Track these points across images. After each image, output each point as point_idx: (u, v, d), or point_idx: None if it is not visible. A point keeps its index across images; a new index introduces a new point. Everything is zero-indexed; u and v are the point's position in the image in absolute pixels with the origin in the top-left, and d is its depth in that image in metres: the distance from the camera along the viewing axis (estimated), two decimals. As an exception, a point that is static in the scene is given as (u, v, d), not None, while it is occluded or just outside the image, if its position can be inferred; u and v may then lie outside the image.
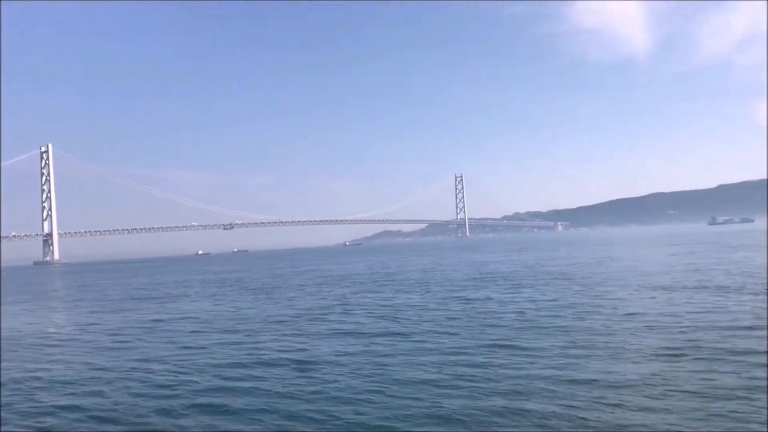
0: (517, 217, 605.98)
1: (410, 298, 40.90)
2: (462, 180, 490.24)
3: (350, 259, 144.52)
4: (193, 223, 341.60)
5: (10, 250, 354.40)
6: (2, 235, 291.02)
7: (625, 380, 15.83)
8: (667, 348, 19.57)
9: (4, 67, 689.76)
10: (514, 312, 30.63)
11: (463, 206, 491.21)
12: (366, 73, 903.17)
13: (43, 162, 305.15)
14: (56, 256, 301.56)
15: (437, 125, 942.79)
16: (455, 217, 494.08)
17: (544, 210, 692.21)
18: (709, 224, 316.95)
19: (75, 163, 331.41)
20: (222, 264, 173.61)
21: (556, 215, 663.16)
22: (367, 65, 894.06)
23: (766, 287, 34.28)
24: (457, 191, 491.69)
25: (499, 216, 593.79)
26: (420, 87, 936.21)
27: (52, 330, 37.00)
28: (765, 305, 27.29)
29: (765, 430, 12.04)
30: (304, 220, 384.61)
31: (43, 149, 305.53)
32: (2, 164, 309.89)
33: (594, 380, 15.99)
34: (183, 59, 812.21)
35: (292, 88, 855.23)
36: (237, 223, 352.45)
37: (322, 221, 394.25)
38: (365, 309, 36.35)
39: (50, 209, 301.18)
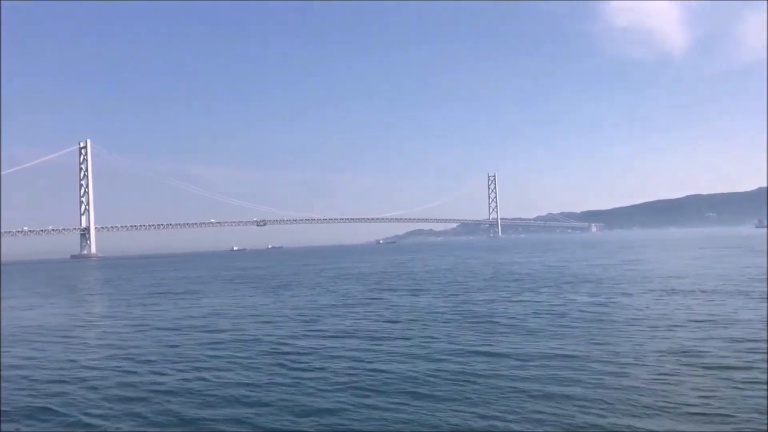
0: (550, 217, 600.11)
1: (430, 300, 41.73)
2: (495, 179, 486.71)
3: (388, 257, 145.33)
4: (227, 220, 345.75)
5: (48, 244, 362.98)
6: (40, 229, 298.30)
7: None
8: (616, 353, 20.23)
9: (45, 64, 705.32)
10: (503, 316, 31.04)
11: (496, 206, 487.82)
12: (399, 70, 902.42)
13: (82, 157, 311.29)
14: (93, 250, 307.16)
15: (471, 123, 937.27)
16: (487, 217, 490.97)
17: (578, 211, 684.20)
18: (756, 227, 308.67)
19: (112, 158, 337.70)
20: (256, 260, 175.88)
21: (590, 216, 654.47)
22: (400, 61, 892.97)
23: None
24: (490, 191, 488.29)
25: (532, 216, 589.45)
26: (453, 84, 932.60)
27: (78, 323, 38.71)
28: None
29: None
30: (336, 217, 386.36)
31: (82, 145, 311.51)
32: (42, 159, 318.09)
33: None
34: (215, 58, 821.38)
35: (324, 84, 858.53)
36: (270, 220, 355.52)
37: (354, 219, 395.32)
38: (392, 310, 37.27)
39: (88, 204, 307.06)
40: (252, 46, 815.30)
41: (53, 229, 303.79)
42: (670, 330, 24.01)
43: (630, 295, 36.99)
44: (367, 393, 16.40)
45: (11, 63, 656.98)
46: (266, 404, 15.89)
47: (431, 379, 17.60)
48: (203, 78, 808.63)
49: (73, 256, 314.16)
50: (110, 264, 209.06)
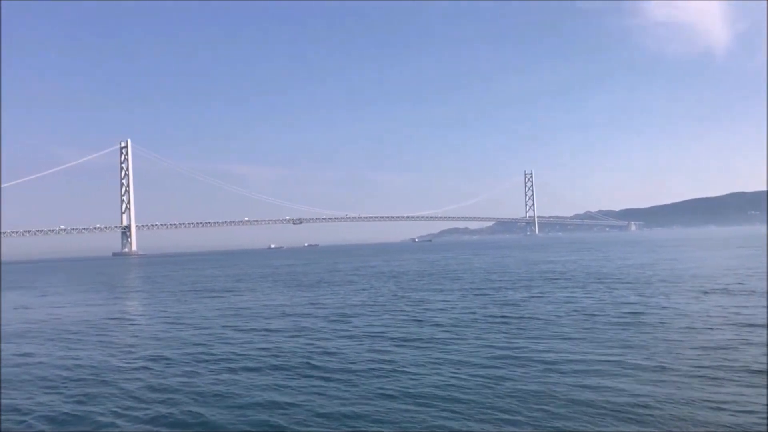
0: (588, 215, 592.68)
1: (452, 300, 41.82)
2: (532, 177, 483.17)
3: (422, 256, 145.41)
4: (264, 218, 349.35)
5: (90, 242, 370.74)
6: (83, 227, 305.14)
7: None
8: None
9: (88, 66, 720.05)
10: (533, 315, 31.07)
11: (533, 204, 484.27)
12: (435, 70, 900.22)
13: (123, 157, 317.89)
14: (134, 248, 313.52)
15: (508, 121, 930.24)
16: (524, 215, 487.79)
17: (617, 209, 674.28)
18: None
19: (153, 158, 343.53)
20: (291, 258, 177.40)
21: (629, 214, 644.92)
22: (435, 61, 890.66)
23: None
24: (527, 189, 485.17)
25: (569, 214, 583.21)
26: (489, 82, 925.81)
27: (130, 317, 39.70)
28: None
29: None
30: (372, 216, 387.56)
31: (123, 145, 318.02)
32: (84, 159, 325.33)
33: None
34: (253, 58, 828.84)
35: (361, 84, 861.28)
36: (306, 219, 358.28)
37: (389, 217, 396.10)
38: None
39: (129, 202, 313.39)
40: (290, 45, 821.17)
41: (95, 228, 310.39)
42: (701, 332, 23.65)
43: (665, 294, 36.48)
44: (391, 395, 16.45)
45: (55, 64, 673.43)
46: (289, 405, 16.05)
47: (454, 382, 17.60)
48: (242, 77, 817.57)
49: (114, 254, 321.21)
50: (150, 261, 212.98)
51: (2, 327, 36.46)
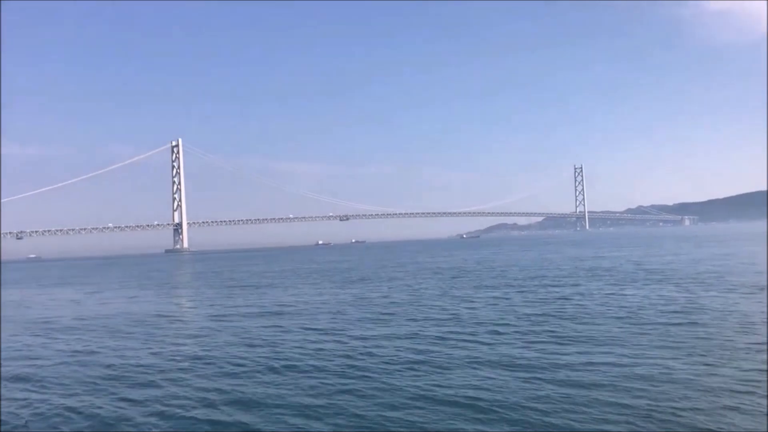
0: (640, 210, 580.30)
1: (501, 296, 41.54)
2: (582, 171, 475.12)
3: (469, 252, 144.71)
4: (312, 215, 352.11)
5: (144, 239, 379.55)
6: (136, 224, 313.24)
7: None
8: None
9: (140, 67, 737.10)
10: (569, 315, 30.64)
11: (583, 199, 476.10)
12: (483, 65, 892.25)
13: (174, 155, 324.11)
14: (186, 245, 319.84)
15: (556, 114, 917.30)
16: (574, 210, 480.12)
17: (670, 203, 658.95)
18: None
19: (203, 156, 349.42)
20: (338, 254, 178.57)
21: (683, 209, 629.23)
22: (484, 57, 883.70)
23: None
24: (577, 183, 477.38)
25: (621, 209, 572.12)
26: (536, 75, 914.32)
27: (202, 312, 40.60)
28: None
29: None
30: (418, 212, 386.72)
31: (174, 143, 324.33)
32: (137, 158, 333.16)
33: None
34: (302, 56, 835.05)
35: (407, 81, 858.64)
36: (353, 215, 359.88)
37: (436, 213, 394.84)
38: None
39: (180, 200, 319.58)
40: (337, 44, 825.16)
41: (148, 225, 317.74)
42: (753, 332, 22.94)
43: (716, 291, 35.53)
44: (427, 396, 16.37)
45: (109, 65, 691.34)
46: (324, 406, 16.10)
47: (490, 383, 17.51)
48: (289, 75, 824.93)
49: (167, 251, 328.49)
50: (200, 258, 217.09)
51: (54, 321, 37.71)
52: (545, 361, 19.25)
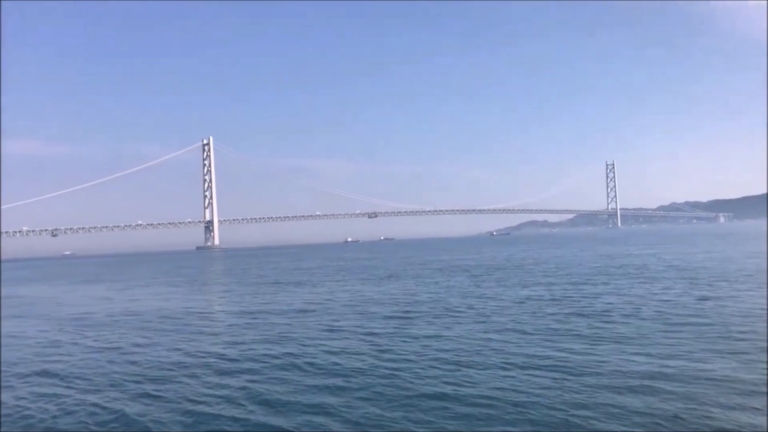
0: (673, 207, 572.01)
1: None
2: (614, 168, 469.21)
3: (498, 249, 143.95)
4: (341, 212, 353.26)
5: (175, 236, 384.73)
6: (168, 222, 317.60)
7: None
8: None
9: (169, 66, 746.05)
10: (597, 313, 30.10)
11: (615, 195, 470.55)
12: (509, 60, 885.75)
13: (205, 154, 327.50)
14: (216, 242, 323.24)
15: (588, 110, 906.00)
16: (606, 207, 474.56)
17: (704, 200, 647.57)
18: None
19: (233, 154, 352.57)
20: (366, 251, 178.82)
21: (718, 205, 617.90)
22: (508, 54, 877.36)
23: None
24: (608, 179, 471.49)
25: (653, 206, 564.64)
26: (565, 70, 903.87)
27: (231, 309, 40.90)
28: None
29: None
30: (447, 209, 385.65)
31: (205, 142, 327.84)
32: (169, 156, 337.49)
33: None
34: (330, 53, 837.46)
35: (436, 77, 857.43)
36: (381, 212, 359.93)
37: (465, 210, 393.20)
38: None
39: (211, 198, 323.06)
40: (365, 39, 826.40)
41: (180, 223, 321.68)
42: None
43: (748, 289, 34.71)
44: (449, 396, 16.29)
45: (141, 65, 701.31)
46: (342, 406, 16.07)
47: (514, 381, 17.29)
48: (318, 72, 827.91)
49: (198, 248, 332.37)
50: (231, 255, 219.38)
51: (88, 317, 38.23)
52: (571, 360, 18.96)
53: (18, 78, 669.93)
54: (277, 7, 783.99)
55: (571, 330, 24.67)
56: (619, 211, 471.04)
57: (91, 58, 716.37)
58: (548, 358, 19.49)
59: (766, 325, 22.93)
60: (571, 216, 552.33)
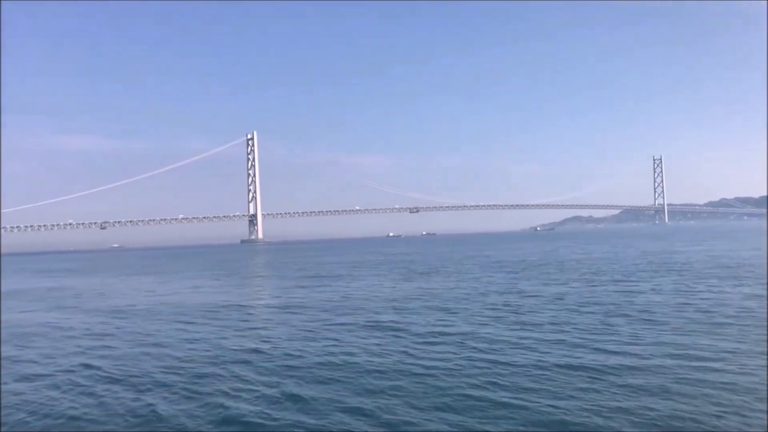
0: (723, 203, 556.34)
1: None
2: (661, 162, 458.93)
3: (541, 245, 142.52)
4: (383, 207, 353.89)
5: (220, 229, 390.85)
6: (213, 215, 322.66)
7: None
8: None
9: (218, 64, 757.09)
10: (635, 311, 29.41)
11: (662, 191, 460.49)
12: (552, 53, 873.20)
13: (249, 148, 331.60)
14: (260, 235, 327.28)
15: (634, 103, 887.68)
16: (653, 203, 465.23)
17: (755, 195, 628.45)
18: None
19: (277, 149, 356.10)
20: (407, 246, 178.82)
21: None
22: (553, 43, 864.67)
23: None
24: (656, 174, 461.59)
25: (702, 202, 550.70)
26: (611, 63, 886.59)
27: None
28: None
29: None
30: (489, 204, 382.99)
31: (249, 137, 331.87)
32: (214, 151, 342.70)
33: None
34: (372, 48, 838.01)
35: (480, 70, 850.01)
36: (423, 207, 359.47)
37: (508, 206, 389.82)
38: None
39: (255, 192, 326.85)
40: (407, 32, 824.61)
41: (225, 216, 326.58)
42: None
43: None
44: (482, 397, 16.11)
45: (189, 62, 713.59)
46: (378, 400, 16.04)
47: (550, 382, 17.03)
48: (359, 65, 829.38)
49: (242, 241, 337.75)
50: (274, 248, 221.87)
51: (130, 309, 39.03)
52: (608, 360, 18.55)
53: (68, 73, 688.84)
54: (326, 7, 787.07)
55: (609, 328, 24.18)
56: (666, 207, 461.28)
57: (140, 54, 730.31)
58: (585, 357, 19.07)
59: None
60: (616, 212, 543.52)
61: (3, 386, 18.79)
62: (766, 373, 15.82)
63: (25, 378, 20.05)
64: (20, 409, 16.17)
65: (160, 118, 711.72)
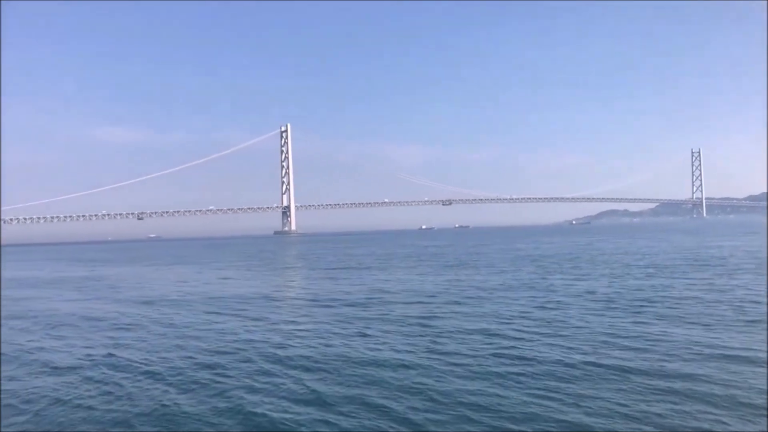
0: (764, 197, 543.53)
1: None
2: (699, 155, 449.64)
3: (574, 238, 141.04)
4: (415, 199, 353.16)
5: (254, 221, 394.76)
6: (248, 207, 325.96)
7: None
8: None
9: (252, 57, 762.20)
10: (666, 306, 28.89)
11: (700, 184, 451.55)
12: (598, 45, 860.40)
13: (283, 140, 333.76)
14: (293, 227, 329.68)
15: (672, 95, 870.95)
16: (690, 197, 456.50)
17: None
18: None
19: (310, 141, 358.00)
20: (439, 239, 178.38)
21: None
22: (598, 38, 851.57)
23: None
24: (694, 168, 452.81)
25: (742, 195, 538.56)
26: (648, 54, 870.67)
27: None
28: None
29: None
30: (523, 197, 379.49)
31: (283, 129, 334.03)
32: (248, 143, 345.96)
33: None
34: (405, 39, 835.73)
35: (516, 62, 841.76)
36: (455, 200, 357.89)
37: (542, 199, 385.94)
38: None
39: (288, 184, 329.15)
40: (442, 26, 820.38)
41: (258, 208, 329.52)
42: None
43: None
44: (500, 386, 16.05)
45: (223, 55, 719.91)
46: (402, 397, 16.05)
47: (574, 378, 16.84)
48: (393, 60, 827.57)
49: (276, 232, 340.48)
50: (307, 240, 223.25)
51: (163, 299, 39.65)
52: (631, 360, 18.32)
53: (106, 65, 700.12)
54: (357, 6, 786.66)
55: (639, 322, 23.89)
56: (704, 201, 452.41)
57: (177, 47, 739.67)
58: (611, 354, 18.82)
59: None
60: (653, 205, 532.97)
61: (26, 377, 19.16)
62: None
63: (51, 367, 20.43)
64: (40, 401, 16.46)
65: (196, 111, 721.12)
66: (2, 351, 23.28)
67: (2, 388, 17.53)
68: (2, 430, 13.88)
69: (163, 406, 15.33)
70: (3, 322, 31.62)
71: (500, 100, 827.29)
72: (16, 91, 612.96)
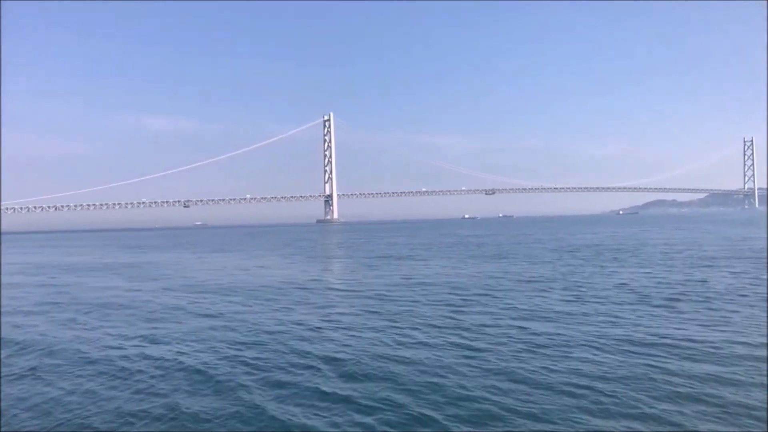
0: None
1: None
2: (752, 144, 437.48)
3: (619, 229, 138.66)
4: (458, 188, 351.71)
5: (297, 209, 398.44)
6: (290, 195, 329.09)
7: None
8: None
9: (296, 50, 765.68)
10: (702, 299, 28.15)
11: (753, 174, 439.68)
12: (636, 32, 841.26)
13: (326, 129, 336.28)
14: (335, 215, 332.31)
15: (724, 81, 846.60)
16: (742, 187, 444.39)
17: None
18: None
19: (353, 130, 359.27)
20: (481, 229, 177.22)
21: None
22: (646, 24, 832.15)
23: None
24: (746, 157, 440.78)
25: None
26: (699, 42, 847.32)
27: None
28: None
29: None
30: (567, 186, 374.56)
31: (326, 118, 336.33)
32: (291, 133, 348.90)
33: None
34: (448, 31, 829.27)
35: (557, 48, 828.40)
36: (499, 189, 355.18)
37: (586, 188, 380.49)
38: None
39: (331, 173, 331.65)
40: (481, 17, 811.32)
41: (301, 196, 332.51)
42: None
43: None
44: (521, 382, 15.87)
45: (267, 50, 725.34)
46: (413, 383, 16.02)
47: (607, 368, 16.58)
48: (437, 50, 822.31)
49: (318, 221, 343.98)
50: (349, 228, 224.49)
51: (204, 284, 40.30)
52: (664, 354, 17.98)
53: (150, 56, 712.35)
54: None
55: (680, 315, 23.42)
56: (756, 191, 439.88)
57: (220, 38, 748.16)
58: (645, 352, 18.50)
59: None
60: (702, 196, 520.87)
61: (63, 362, 19.60)
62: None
63: (89, 352, 20.90)
64: (73, 391, 16.86)
65: (240, 101, 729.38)
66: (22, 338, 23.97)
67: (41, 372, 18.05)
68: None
69: (180, 400, 15.37)
70: (50, 307, 32.54)
71: (549, 89, 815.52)
72: (71, 89, 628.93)
